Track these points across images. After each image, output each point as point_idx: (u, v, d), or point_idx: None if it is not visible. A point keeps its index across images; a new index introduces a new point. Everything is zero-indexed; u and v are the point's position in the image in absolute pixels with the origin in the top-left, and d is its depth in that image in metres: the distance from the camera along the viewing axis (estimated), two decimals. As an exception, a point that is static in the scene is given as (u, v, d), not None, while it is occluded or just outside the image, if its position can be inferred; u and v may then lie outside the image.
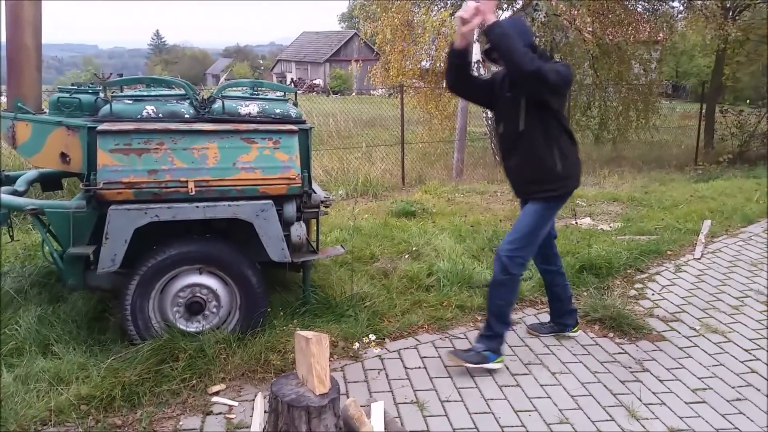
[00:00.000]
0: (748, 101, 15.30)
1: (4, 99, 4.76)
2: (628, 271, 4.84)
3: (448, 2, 14.14)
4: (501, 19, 3.06)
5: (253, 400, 2.88)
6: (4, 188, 3.66)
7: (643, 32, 13.47)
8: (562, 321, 3.71)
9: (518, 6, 13.63)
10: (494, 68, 14.84)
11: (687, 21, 13.87)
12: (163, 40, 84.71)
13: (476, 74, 11.43)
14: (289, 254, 3.31)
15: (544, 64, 2.93)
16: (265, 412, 2.67)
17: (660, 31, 13.41)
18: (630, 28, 12.68)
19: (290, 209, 3.37)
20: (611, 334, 3.76)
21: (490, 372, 3.26)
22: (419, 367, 3.29)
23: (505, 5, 13.83)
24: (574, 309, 3.73)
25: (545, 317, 3.94)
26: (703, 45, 16.66)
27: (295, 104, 3.63)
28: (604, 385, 3.18)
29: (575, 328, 3.73)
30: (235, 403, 2.88)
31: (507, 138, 3.22)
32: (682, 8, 13.71)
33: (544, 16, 11.47)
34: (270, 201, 3.24)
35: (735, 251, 5.50)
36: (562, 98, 3.15)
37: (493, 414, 2.89)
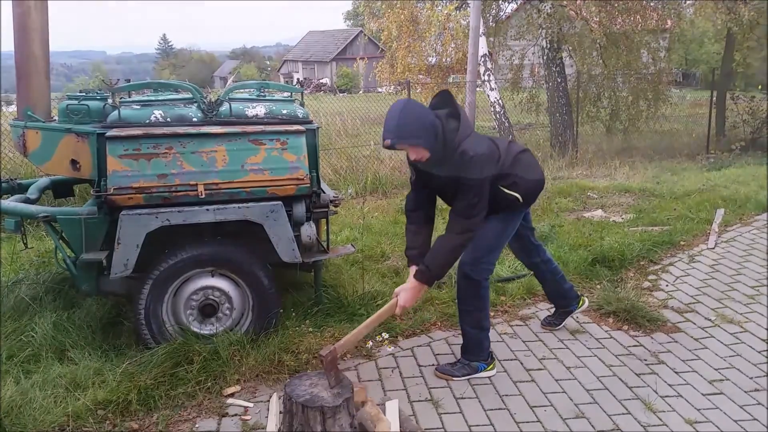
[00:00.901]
0: (759, 87, 15.10)
1: (13, 107, 4.80)
2: (641, 263, 4.80)
3: (453, -2, 14.08)
4: (399, 113, 2.73)
5: (268, 401, 2.90)
6: (16, 196, 3.70)
7: (651, 20, 13.34)
8: (564, 303, 3.67)
9: (523, -2, 13.55)
10: (501, 61, 14.74)
11: (695, 7, 13.71)
12: (170, 44, 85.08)
13: (483, 68, 11.40)
14: (299, 254, 3.32)
15: (460, 228, 2.84)
16: (280, 412, 2.68)
17: (668, 18, 13.27)
18: (637, 16, 12.56)
19: (300, 209, 3.37)
20: (625, 327, 3.74)
21: (504, 368, 3.26)
22: (433, 365, 3.28)
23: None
24: (570, 285, 3.67)
25: (558, 311, 3.93)
26: (714, 31, 16.46)
27: (302, 104, 3.64)
28: (620, 379, 3.16)
29: (580, 302, 3.70)
30: (250, 405, 2.89)
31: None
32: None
33: (550, 8, 11.39)
34: (279, 202, 3.25)
35: (749, 240, 5.44)
36: (492, 173, 2.90)
37: (508, 410, 2.88)
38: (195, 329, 3.31)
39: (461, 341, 3.26)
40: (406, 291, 2.90)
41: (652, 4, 13.13)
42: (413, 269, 2.97)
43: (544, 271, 3.58)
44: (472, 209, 2.83)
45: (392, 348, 3.48)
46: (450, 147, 2.81)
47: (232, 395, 2.96)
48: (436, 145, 2.80)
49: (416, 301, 2.93)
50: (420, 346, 3.51)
